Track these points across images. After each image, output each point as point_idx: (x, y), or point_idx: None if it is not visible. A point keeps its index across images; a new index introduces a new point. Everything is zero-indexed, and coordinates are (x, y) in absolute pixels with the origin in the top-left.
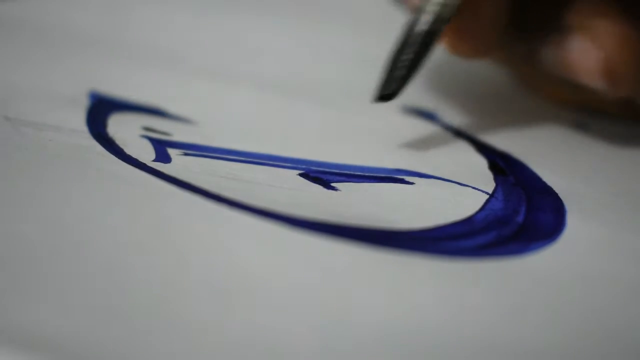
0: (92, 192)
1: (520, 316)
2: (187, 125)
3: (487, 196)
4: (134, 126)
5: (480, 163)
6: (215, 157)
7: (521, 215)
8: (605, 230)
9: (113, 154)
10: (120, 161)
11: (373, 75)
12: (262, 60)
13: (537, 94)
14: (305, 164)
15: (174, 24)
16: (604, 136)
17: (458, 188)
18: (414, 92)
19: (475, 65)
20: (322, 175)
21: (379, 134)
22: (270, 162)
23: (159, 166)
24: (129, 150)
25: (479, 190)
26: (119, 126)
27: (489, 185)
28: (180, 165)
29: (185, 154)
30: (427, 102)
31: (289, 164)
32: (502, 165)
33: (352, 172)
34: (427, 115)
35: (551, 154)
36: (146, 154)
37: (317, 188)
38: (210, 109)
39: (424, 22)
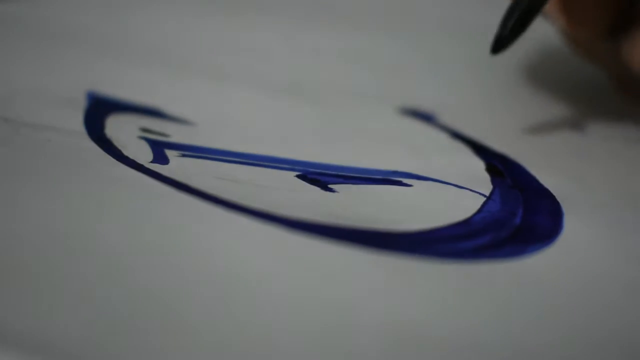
0: (90, 193)
1: (518, 318)
2: (184, 126)
3: (485, 198)
4: (132, 127)
5: (477, 165)
6: (213, 158)
7: (518, 217)
8: (602, 232)
9: (111, 155)
10: (118, 162)
11: (372, 76)
12: (260, 61)
13: (631, 100)
14: (303, 165)
15: (172, 24)
16: (601, 138)
17: (455, 190)
18: (412, 93)
19: (472, 67)
20: (320, 177)
21: (376, 135)
22: (268, 164)
23: (157, 167)
24: (126, 152)
25: (476, 192)
26: (116, 127)
27: (486, 187)
28: (177, 166)
29: (183, 155)
30: (425, 103)
31: (286, 166)
32: (499, 167)
33: (349, 174)
34: (424, 116)
35: (548, 156)
36: (144, 155)
37: (315, 190)
38: (208, 110)
39: None
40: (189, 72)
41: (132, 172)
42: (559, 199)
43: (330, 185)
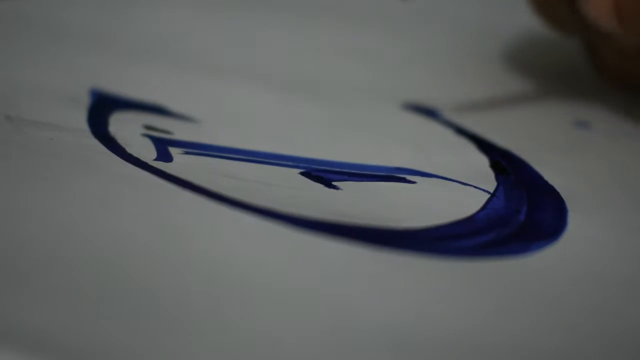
0: (93, 191)
1: (521, 316)
2: (188, 124)
3: (489, 195)
4: (136, 125)
5: (481, 161)
6: (217, 155)
7: (522, 214)
8: (606, 230)
9: (114, 152)
10: (121, 160)
11: (375, 73)
12: (263, 58)
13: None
14: (307, 162)
15: (175, 21)
16: (605, 135)
17: (459, 187)
18: (416, 88)
19: (476, 63)
20: (324, 174)
21: (380, 131)
22: (272, 161)
23: (160, 165)
24: (130, 149)
25: (480, 189)
26: (120, 125)
27: (490, 184)
28: (181, 164)
29: (187, 153)
30: (429, 99)
31: (290, 163)
32: (503, 164)
33: (353, 171)
34: (428, 112)
35: (552, 153)
36: (147, 152)
37: (319, 187)
38: (212, 108)
39: None
40: (192, 70)
41: (136, 170)
42: (563, 196)
43: (334, 183)
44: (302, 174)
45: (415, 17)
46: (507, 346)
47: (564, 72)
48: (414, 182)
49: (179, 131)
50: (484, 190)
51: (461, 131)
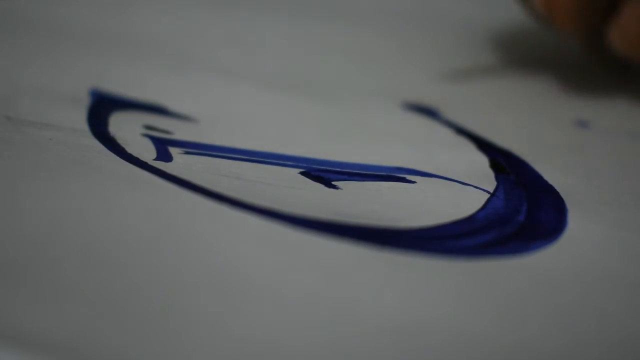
0: (93, 191)
1: (521, 315)
2: (188, 124)
3: (489, 195)
4: (135, 125)
5: (481, 161)
6: (216, 155)
7: (522, 214)
8: (606, 229)
9: (114, 152)
10: (121, 160)
11: (375, 73)
12: (263, 58)
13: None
14: (307, 162)
15: (175, 22)
16: (605, 135)
17: (459, 187)
18: (416, 89)
19: (476, 63)
20: (324, 174)
21: (380, 131)
22: (272, 161)
23: (160, 165)
24: (130, 149)
25: (480, 189)
26: (120, 125)
27: (490, 183)
28: (181, 164)
29: (187, 153)
30: (429, 99)
31: (290, 163)
32: (503, 163)
33: (353, 171)
34: (428, 112)
35: (552, 152)
36: (147, 152)
37: (319, 186)
38: (212, 108)
39: None
40: (191, 70)
41: (136, 170)
42: (563, 195)
43: (333, 182)
44: (302, 173)
45: (416, 17)
46: (507, 345)
47: (564, 72)
48: (414, 182)
49: (178, 131)
50: (484, 190)
51: (461, 131)
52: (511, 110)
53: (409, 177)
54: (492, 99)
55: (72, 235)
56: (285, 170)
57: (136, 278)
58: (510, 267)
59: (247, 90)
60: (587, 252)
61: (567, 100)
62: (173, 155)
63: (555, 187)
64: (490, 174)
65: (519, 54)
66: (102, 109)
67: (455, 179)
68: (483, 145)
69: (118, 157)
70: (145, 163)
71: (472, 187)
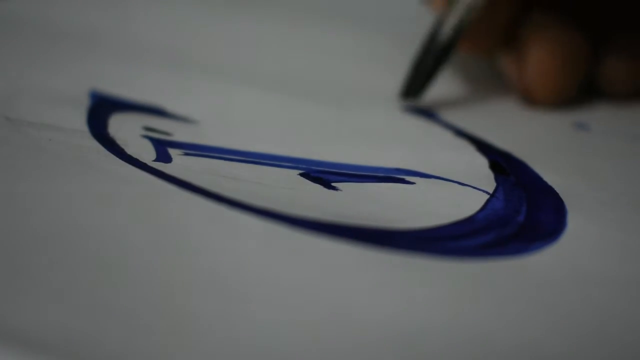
0: (92, 191)
1: (521, 315)
2: (188, 125)
3: (488, 196)
4: (135, 126)
5: (481, 162)
6: (216, 157)
7: (522, 215)
8: (606, 230)
9: (114, 153)
10: (121, 161)
11: (374, 75)
12: (262, 60)
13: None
14: (306, 163)
15: (174, 24)
16: (604, 137)
17: (459, 188)
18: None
19: (475, 66)
20: (323, 175)
21: (379, 133)
22: (271, 162)
23: (160, 166)
24: (129, 150)
25: (479, 189)
26: (119, 126)
27: (490, 185)
28: (181, 165)
29: (186, 154)
30: (428, 101)
31: (289, 164)
32: (503, 165)
33: (352, 172)
34: (427, 114)
35: (552, 154)
36: (147, 154)
37: (318, 188)
38: (211, 109)
39: (448, 27)
40: (191, 72)
41: (135, 170)
42: (562, 196)
43: (333, 184)
44: (301, 174)
45: (415, 19)
46: (507, 345)
47: None
48: (413, 183)
49: (178, 132)
50: (484, 191)
51: (460, 133)
52: (510, 112)
53: (408, 178)
54: (491, 101)
55: (70, 234)
56: (285, 172)
57: (135, 278)
58: (511, 268)
59: (246, 92)
60: (586, 253)
61: (567, 102)
62: (173, 156)
63: (555, 188)
64: (490, 175)
65: None
66: (101, 110)
67: (455, 179)
68: (482, 146)
69: (117, 158)
70: (145, 164)
71: (471, 188)
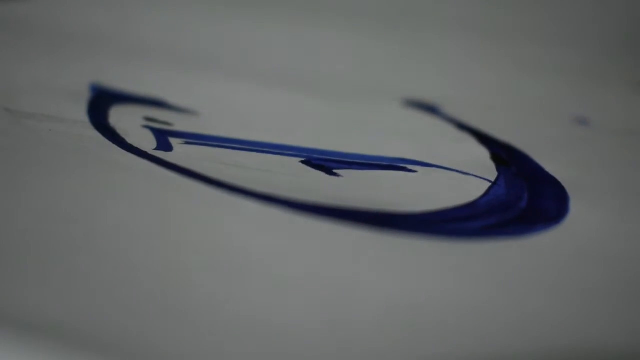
0: (91, 178)
1: (522, 291)
2: (188, 116)
3: (490, 184)
4: (136, 117)
5: (482, 154)
6: (217, 145)
7: (524, 201)
8: (609, 215)
9: (114, 143)
10: (121, 150)
11: (375, 71)
12: (264, 56)
13: None
14: (308, 152)
15: (175, 20)
16: (604, 132)
17: (460, 176)
18: (416, 86)
19: (476, 60)
20: (325, 163)
21: (381, 126)
22: (273, 150)
23: (161, 154)
24: (130, 140)
25: (481, 178)
26: (120, 117)
27: (491, 174)
28: (181, 153)
29: (187, 143)
30: (429, 96)
31: (291, 152)
32: (504, 156)
33: (354, 161)
34: (429, 108)
35: (553, 147)
36: (147, 143)
37: (319, 174)
38: (212, 102)
39: None
40: (192, 66)
41: (135, 159)
42: (564, 185)
43: (334, 170)
44: (302, 162)
45: (414, 15)
46: (508, 320)
47: (564, 69)
48: (415, 171)
49: (179, 123)
50: (485, 179)
51: (462, 126)
52: (511, 107)
53: (410, 167)
54: (492, 97)
55: (72, 223)
56: (286, 160)
57: (137, 263)
58: (513, 247)
59: (247, 86)
60: (588, 235)
61: (567, 97)
62: (173, 145)
63: (557, 178)
64: (492, 165)
65: (518, 51)
66: (102, 102)
67: (457, 169)
68: (484, 139)
69: (118, 148)
70: (146, 152)
71: (473, 177)
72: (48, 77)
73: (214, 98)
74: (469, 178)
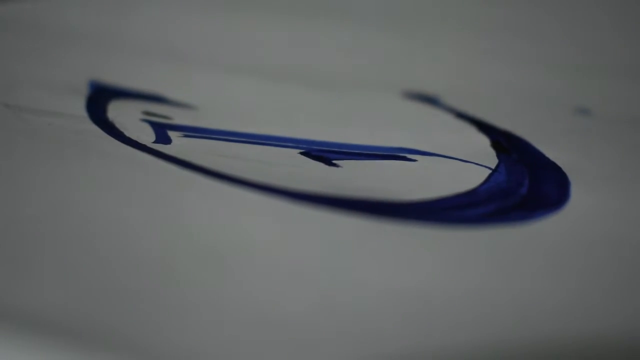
0: (92, 173)
1: (524, 275)
2: (187, 110)
3: (490, 171)
4: (134, 111)
5: (482, 141)
6: (216, 138)
7: (525, 187)
8: (610, 200)
9: (113, 137)
10: (120, 143)
11: (374, 64)
12: (263, 51)
13: None
14: (307, 143)
15: (173, 18)
16: (605, 122)
17: (460, 164)
18: (416, 77)
19: (475, 53)
20: (324, 154)
21: (380, 117)
22: (272, 142)
23: (159, 147)
24: (128, 133)
25: (481, 165)
26: (119, 111)
27: (492, 162)
28: (180, 145)
29: (186, 136)
30: (429, 88)
31: (290, 144)
32: (504, 143)
33: (353, 151)
34: (429, 99)
35: (554, 134)
36: (146, 136)
37: (319, 165)
38: (211, 96)
39: None
40: (190, 62)
41: (134, 151)
42: (565, 170)
43: (334, 161)
44: (302, 153)
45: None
46: (510, 303)
47: (564, 60)
48: (415, 160)
49: (178, 117)
50: (486, 167)
51: (462, 115)
52: (512, 99)
53: (410, 156)
54: (492, 88)
55: (71, 215)
56: (285, 151)
57: (136, 254)
58: (514, 234)
59: (246, 80)
60: (589, 219)
61: (568, 88)
62: (172, 138)
63: (557, 164)
64: (492, 153)
65: (517, 43)
66: (100, 97)
67: (457, 157)
68: (483, 127)
69: (117, 141)
70: (144, 145)
71: (473, 164)
72: (46, 73)
73: (212, 92)
74: (469, 166)
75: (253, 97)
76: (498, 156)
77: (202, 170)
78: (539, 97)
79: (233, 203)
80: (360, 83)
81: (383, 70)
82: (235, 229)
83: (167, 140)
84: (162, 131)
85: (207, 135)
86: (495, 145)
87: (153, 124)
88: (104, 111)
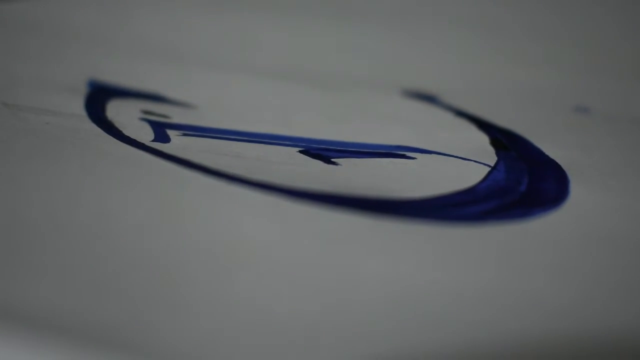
0: (89, 169)
1: (523, 273)
2: (186, 109)
3: (489, 169)
4: (133, 110)
5: (481, 139)
6: (215, 137)
7: (524, 185)
8: (609, 197)
9: (112, 135)
10: (118, 141)
11: (373, 62)
12: (262, 51)
13: None
14: (305, 142)
15: (173, 18)
16: (604, 120)
17: (460, 162)
18: (414, 76)
19: (474, 51)
20: (323, 152)
21: (379, 115)
22: (271, 141)
23: (158, 146)
24: (127, 132)
25: (480, 163)
26: (117, 110)
27: (491, 159)
28: (179, 144)
29: (185, 135)
30: (427, 87)
31: (289, 142)
32: (503, 141)
33: (352, 149)
34: (427, 98)
35: (552, 132)
36: (145, 135)
37: (318, 163)
38: (210, 95)
39: None
40: (189, 61)
41: (133, 150)
42: (564, 168)
43: (333, 159)
44: (301, 152)
45: (413, 4)
46: (510, 301)
47: (563, 59)
48: (414, 158)
49: (176, 116)
50: (484, 164)
51: (461, 113)
52: (511, 97)
53: (409, 154)
54: (491, 86)
55: (70, 214)
56: (284, 149)
57: (135, 253)
58: (513, 231)
59: (245, 79)
60: (588, 216)
61: (567, 86)
62: (171, 137)
63: (557, 161)
64: (491, 150)
65: (517, 42)
66: (99, 96)
67: (456, 155)
68: (483, 125)
69: (116, 139)
70: (143, 144)
71: (472, 162)
72: (45, 72)
73: (211, 91)
74: (468, 163)
75: (252, 95)
76: (497, 154)
77: (201, 169)
78: (538, 94)
79: (232, 201)
80: (359, 81)
81: (382, 68)
82: (234, 227)
83: (166, 139)
84: (160, 130)
85: (206, 134)
86: (495, 142)
87: (152, 123)
88: (102, 110)
